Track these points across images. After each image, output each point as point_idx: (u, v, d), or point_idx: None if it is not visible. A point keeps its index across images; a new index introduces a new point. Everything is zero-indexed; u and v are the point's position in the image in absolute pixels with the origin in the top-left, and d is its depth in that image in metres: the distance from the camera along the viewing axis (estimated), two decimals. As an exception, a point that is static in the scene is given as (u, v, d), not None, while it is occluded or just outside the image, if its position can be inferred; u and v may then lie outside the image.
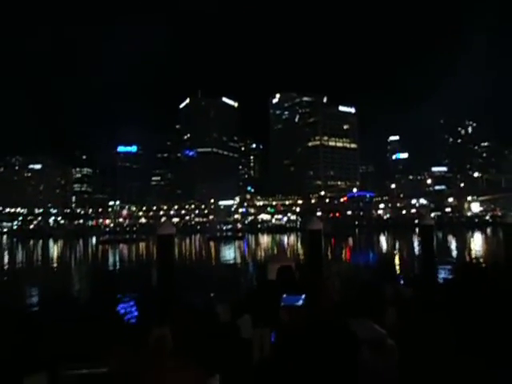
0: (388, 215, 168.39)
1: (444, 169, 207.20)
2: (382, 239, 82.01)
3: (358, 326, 3.99)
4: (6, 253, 70.48)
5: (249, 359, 8.10)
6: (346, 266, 35.14)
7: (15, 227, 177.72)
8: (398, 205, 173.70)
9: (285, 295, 4.46)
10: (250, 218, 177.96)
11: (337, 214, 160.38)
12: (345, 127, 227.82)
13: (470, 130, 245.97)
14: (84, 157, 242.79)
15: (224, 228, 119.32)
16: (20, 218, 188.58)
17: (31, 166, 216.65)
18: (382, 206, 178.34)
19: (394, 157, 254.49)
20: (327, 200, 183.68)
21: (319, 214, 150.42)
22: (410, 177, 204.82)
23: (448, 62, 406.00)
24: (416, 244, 57.89)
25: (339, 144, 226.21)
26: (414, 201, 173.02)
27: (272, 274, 7.46)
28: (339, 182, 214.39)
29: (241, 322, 9.10)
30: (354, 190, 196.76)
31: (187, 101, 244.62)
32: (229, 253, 54.97)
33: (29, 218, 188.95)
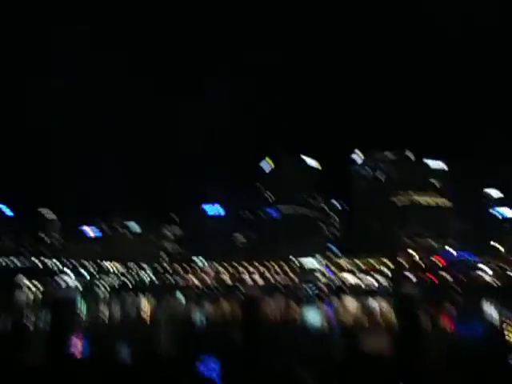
0: (495, 280, 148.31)
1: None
2: (490, 308, 71.56)
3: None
4: (104, 306, 76.13)
5: None
6: (447, 338, 30.90)
7: (113, 282, 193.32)
8: (507, 269, 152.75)
9: None
10: (335, 279, 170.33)
11: (431, 277, 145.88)
12: (434, 182, 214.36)
13: None
14: (174, 216, 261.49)
15: (308, 289, 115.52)
16: (118, 274, 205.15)
17: (130, 225, 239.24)
18: (485, 268, 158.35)
19: (496, 214, 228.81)
20: (419, 261, 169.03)
21: (410, 275, 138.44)
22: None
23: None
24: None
25: (429, 200, 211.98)
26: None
27: (365, 345, 6.78)
28: (432, 242, 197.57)
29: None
30: (449, 249, 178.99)
31: (269, 160, 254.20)
32: (313, 315, 52.39)
33: (125, 273, 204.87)
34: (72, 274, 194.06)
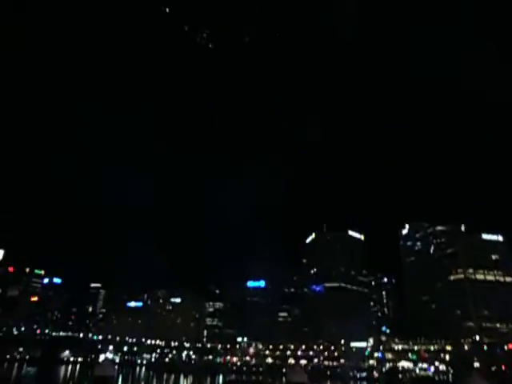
0: None
1: None
2: None
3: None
4: (142, 386, 73.11)
5: None
6: None
7: (153, 359, 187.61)
8: None
9: None
10: (388, 366, 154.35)
11: (503, 367, 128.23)
12: (493, 257, 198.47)
13: None
14: (217, 291, 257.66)
15: (358, 375, 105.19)
16: (158, 351, 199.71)
17: (172, 300, 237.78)
18: None
19: None
20: (485, 347, 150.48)
21: (477, 364, 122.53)
22: None
23: None
24: None
25: (489, 277, 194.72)
26: None
27: None
28: (498, 325, 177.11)
29: None
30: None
31: (313, 235, 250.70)
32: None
33: (165, 350, 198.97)
34: (114, 350, 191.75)
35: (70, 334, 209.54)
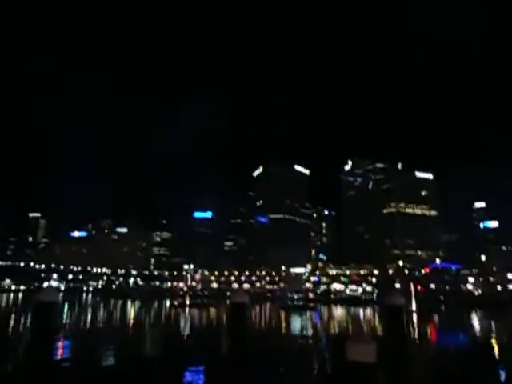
0: (479, 291, 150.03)
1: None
2: (474, 318, 72.38)
3: None
4: (89, 310, 75.05)
5: None
6: (431, 349, 31.20)
7: (100, 286, 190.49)
8: (491, 279, 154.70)
9: None
10: (323, 288, 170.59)
11: (418, 287, 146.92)
12: (423, 193, 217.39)
13: None
14: (164, 221, 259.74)
15: (295, 297, 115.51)
16: (104, 278, 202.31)
17: (118, 230, 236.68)
18: (471, 279, 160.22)
19: (481, 225, 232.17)
20: (406, 271, 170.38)
21: (398, 286, 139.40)
22: (504, 248, 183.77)
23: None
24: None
25: (417, 211, 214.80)
26: (510, 275, 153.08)
27: (351, 354, 6.88)
28: (419, 252, 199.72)
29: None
30: (437, 260, 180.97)
31: (260, 169, 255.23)
32: (300, 324, 52.39)
33: (112, 278, 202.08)
34: (58, 278, 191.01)
35: (9, 263, 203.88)
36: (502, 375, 18.21)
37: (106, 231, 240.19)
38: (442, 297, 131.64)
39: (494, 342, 37.31)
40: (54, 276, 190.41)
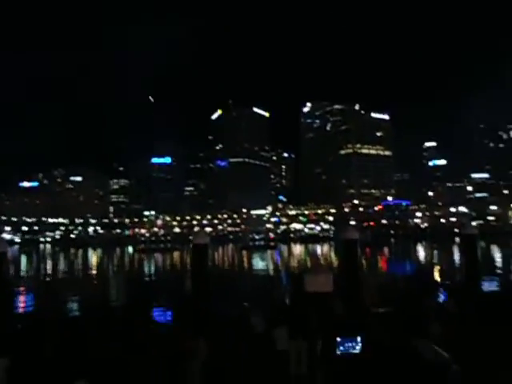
0: (426, 224, 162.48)
1: (485, 175, 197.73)
2: (420, 249, 79.01)
3: (422, 349, 3.75)
4: (49, 261, 73.81)
5: (286, 372, 7.92)
6: (382, 277, 34.04)
7: (58, 236, 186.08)
8: (437, 213, 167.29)
9: (339, 338, 4.06)
10: (283, 228, 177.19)
11: (371, 223, 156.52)
12: (378, 134, 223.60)
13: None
14: (120, 168, 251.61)
15: (256, 237, 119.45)
16: (62, 228, 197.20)
17: (72, 178, 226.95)
18: (419, 214, 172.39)
19: (431, 163, 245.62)
20: (361, 209, 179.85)
21: (353, 223, 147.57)
22: (449, 184, 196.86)
23: (489, 61, 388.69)
24: (456, 254, 55.30)
25: (373, 151, 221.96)
26: (453, 209, 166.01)
27: (309, 285, 7.31)
28: (373, 191, 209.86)
29: (276, 334, 8.93)
30: (389, 198, 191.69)
31: (219, 112, 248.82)
32: (262, 262, 54.78)
33: (70, 227, 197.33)
34: (12, 231, 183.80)
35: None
36: (442, 296, 20.29)
37: (59, 180, 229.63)
38: (391, 231, 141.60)
39: (435, 268, 41.16)
40: (7, 228, 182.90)
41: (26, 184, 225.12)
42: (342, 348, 4.13)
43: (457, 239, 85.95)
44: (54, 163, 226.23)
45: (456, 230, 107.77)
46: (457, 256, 52.20)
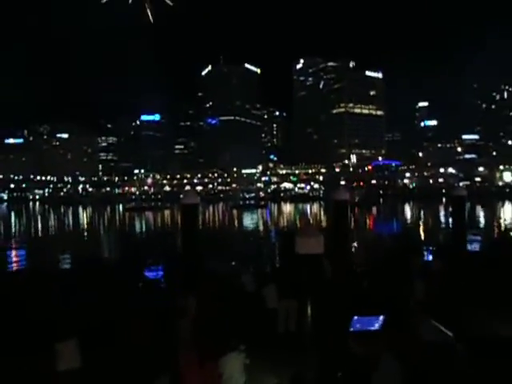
0: (414, 184, 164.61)
1: (476, 136, 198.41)
2: (408, 209, 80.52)
3: (425, 328, 3.68)
4: (39, 219, 73.64)
5: (274, 330, 8.15)
6: (370, 236, 34.80)
7: (47, 194, 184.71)
8: (425, 174, 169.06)
9: (356, 317, 3.61)
10: (273, 187, 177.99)
11: (361, 183, 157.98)
12: (371, 93, 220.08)
13: (505, 94, 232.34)
14: (109, 125, 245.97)
15: (247, 196, 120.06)
16: (51, 186, 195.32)
17: (58, 135, 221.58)
18: (408, 174, 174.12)
19: (422, 124, 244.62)
20: (351, 169, 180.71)
21: (343, 183, 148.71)
22: (439, 145, 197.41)
23: (482, 20, 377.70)
24: (443, 214, 56.57)
25: (365, 111, 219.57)
26: (442, 170, 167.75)
27: (300, 248, 7.36)
28: (364, 151, 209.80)
29: (266, 292, 9.10)
30: (380, 158, 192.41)
31: (209, 68, 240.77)
32: (252, 221, 55.39)
33: (59, 185, 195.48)
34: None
35: None
36: (427, 254, 20.87)
37: (45, 137, 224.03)
38: (380, 191, 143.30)
39: (421, 228, 42.13)
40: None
41: (11, 141, 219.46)
42: (358, 326, 3.77)
43: (443, 199, 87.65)
44: (39, 119, 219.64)
45: (444, 191, 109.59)
46: (442, 216, 53.43)
